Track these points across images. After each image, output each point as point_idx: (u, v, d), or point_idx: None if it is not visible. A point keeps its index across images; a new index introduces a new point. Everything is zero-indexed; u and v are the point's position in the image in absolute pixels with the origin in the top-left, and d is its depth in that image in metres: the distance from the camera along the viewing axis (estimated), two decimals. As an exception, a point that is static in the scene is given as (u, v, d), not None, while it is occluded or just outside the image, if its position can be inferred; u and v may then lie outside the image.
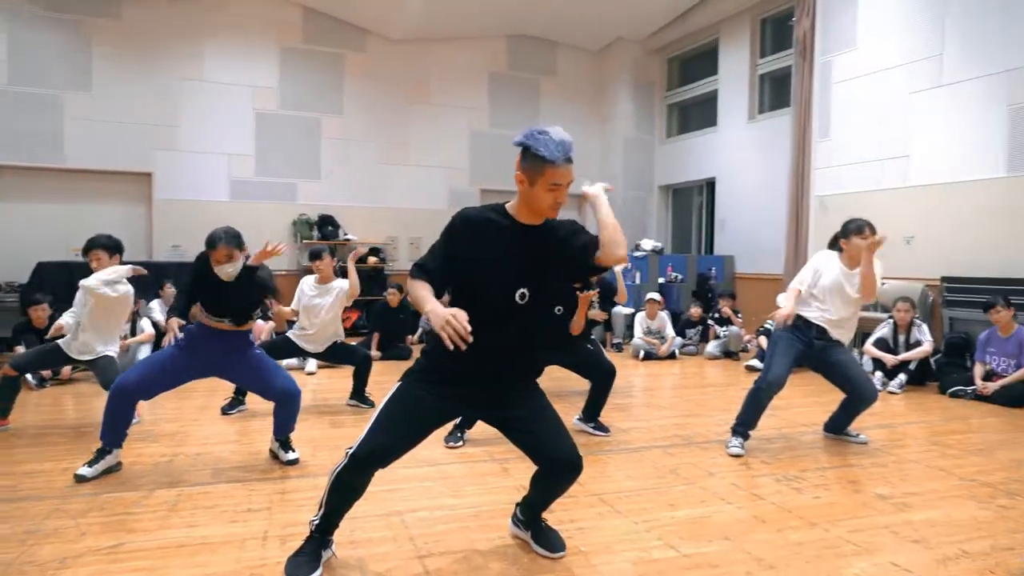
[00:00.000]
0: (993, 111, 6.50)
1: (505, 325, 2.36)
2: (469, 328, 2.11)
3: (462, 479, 3.55)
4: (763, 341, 7.39)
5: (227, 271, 3.54)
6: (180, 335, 3.65)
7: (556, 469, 2.44)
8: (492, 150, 11.19)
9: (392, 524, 2.92)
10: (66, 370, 6.20)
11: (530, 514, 2.67)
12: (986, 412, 5.34)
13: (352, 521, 2.91)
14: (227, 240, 3.51)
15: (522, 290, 2.36)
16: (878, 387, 6.01)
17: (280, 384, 3.73)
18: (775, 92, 9.78)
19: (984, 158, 6.59)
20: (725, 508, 3.15)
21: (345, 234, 10.00)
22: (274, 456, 3.84)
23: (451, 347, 2.11)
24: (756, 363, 7.23)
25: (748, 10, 9.73)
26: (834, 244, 4.34)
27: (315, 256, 5.53)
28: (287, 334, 5.44)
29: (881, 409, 5.30)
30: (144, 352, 6.47)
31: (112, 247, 4.43)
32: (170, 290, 7.54)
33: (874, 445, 4.29)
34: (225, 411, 4.95)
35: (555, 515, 2.90)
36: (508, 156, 10.82)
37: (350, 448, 2.34)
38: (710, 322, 8.51)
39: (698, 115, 11.18)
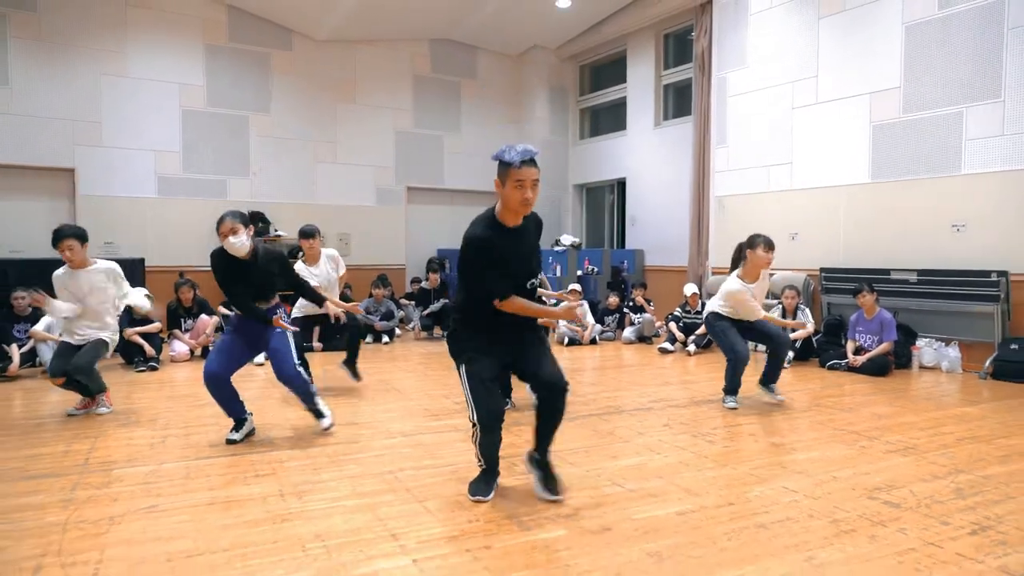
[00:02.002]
0: (859, 127, 7.64)
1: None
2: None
3: (434, 446, 4.13)
4: (673, 327, 8.32)
5: (234, 244, 4.03)
6: (229, 315, 4.23)
7: (549, 389, 3.16)
8: (417, 149, 11.68)
9: (388, 480, 3.47)
10: (14, 366, 6.28)
11: (542, 450, 3.28)
12: (856, 380, 6.40)
13: (353, 480, 3.47)
14: (232, 216, 4.06)
15: (532, 281, 3.17)
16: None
17: (286, 371, 4.26)
18: (678, 101, 10.77)
19: (853, 167, 7.73)
20: (655, 457, 3.89)
21: (276, 230, 10.22)
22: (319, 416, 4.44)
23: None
24: (668, 345, 8.14)
25: (652, 25, 10.66)
26: (738, 257, 5.30)
27: (310, 235, 5.84)
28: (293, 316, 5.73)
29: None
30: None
31: (82, 236, 4.79)
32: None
33: (768, 408, 5.17)
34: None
35: (517, 468, 3.54)
36: (432, 155, 11.51)
37: (472, 426, 3.13)
38: (625, 310, 9.38)
39: (609, 120, 12.07)
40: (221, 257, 4.13)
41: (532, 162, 2.96)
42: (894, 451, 4.01)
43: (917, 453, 3.97)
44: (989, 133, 6.60)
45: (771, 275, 5.49)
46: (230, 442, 4.10)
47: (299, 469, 3.64)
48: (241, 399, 4.24)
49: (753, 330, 5.34)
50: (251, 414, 4.29)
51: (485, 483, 3.22)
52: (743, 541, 2.73)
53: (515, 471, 3.53)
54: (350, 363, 5.73)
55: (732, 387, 5.25)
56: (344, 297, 8.74)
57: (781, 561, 2.55)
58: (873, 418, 4.86)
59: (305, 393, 4.36)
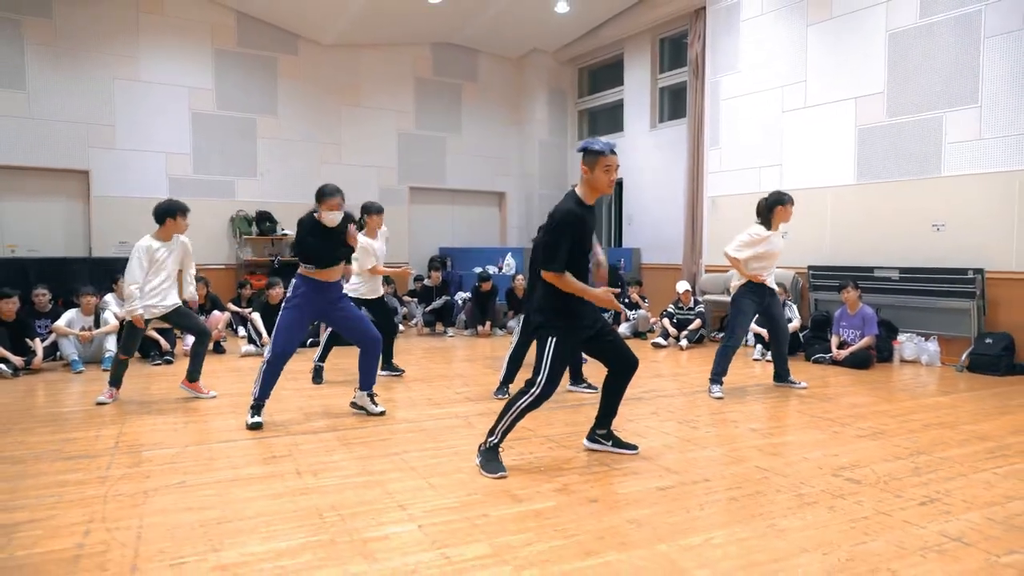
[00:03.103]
0: (845, 130, 7.94)
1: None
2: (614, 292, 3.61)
3: (436, 431, 4.44)
4: (666, 322, 8.63)
5: (334, 217, 4.48)
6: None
7: (629, 366, 3.74)
8: (419, 150, 12.00)
9: (394, 460, 3.79)
10: (37, 360, 6.60)
11: (607, 425, 3.87)
12: (838, 373, 6.71)
13: (362, 460, 3.78)
14: (340, 193, 4.53)
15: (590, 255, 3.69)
16: (758, 357, 7.36)
17: (371, 333, 4.73)
18: (673, 104, 11.08)
19: (839, 168, 8.04)
20: (642, 441, 4.19)
21: (282, 230, 10.55)
22: (359, 408, 4.80)
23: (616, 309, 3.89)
24: (661, 340, 8.45)
25: (649, 30, 10.97)
26: (767, 213, 5.62)
27: (379, 211, 6.34)
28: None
29: (760, 374, 6.58)
30: (110, 342, 6.92)
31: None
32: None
33: (751, 398, 5.48)
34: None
35: (515, 450, 3.86)
36: (434, 156, 11.80)
37: (533, 389, 3.48)
38: (621, 307, 9.70)
39: (606, 121, 12.38)
40: (313, 223, 4.52)
41: (615, 152, 3.56)
42: (864, 436, 4.32)
43: (885, 437, 4.28)
44: (967, 137, 6.91)
45: (784, 234, 5.82)
46: (255, 426, 4.40)
47: (312, 451, 3.96)
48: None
49: (766, 314, 5.72)
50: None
51: (498, 459, 3.56)
52: (714, 511, 3.05)
53: (510, 452, 3.84)
54: (387, 363, 6.24)
55: (720, 371, 5.54)
56: (385, 298, 9.03)
57: (746, 527, 2.86)
58: (849, 407, 5.17)
59: (377, 361, 4.80)
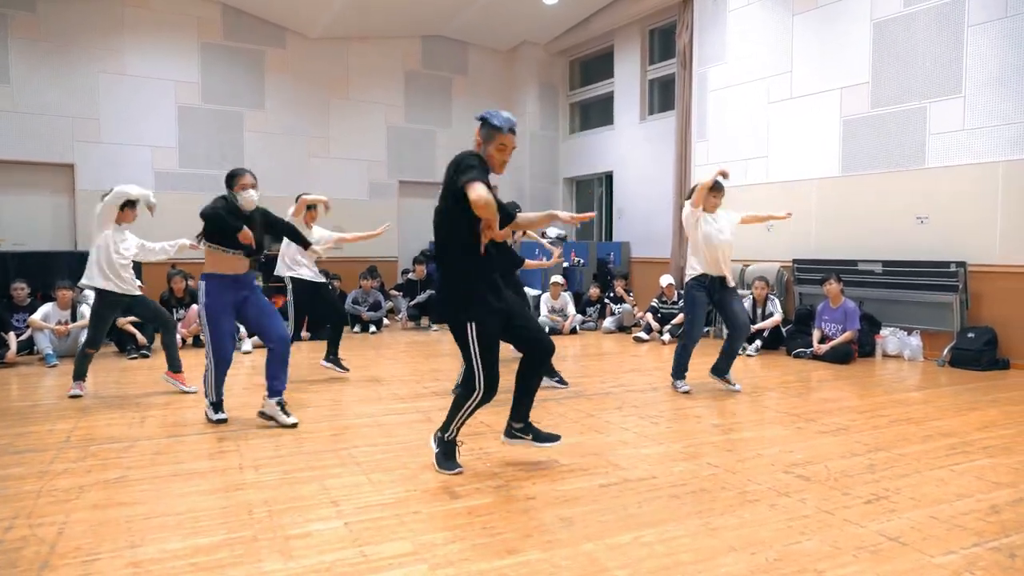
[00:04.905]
0: (830, 121, 7.82)
1: (502, 248, 3.35)
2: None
3: (392, 426, 4.40)
4: (649, 317, 8.55)
5: (251, 196, 4.33)
6: (204, 297, 4.34)
7: (542, 351, 3.43)
8: (409, 144, 11.94)
9: (341, 455, 3.74)
10: (11, 353, 6.60)
11: (524, 418, 3.54)
12: (819, 367, 6.61)
13: (308, 455, 3.74)
14: (251, 172, 4.42)
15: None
16: (752, 353, 7.26)
17: (280, 332, 4.44)
18: (663, 96, 10.96)
19: (824, 160, 7.92)
20: (597, 436, 4.14)
21: (269, 224, 10.49)
22: (267, 418, 4.35)
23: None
24: (643, 335, 8.37)
25: (638, 21, 10.85)
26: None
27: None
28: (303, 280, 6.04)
29: (739, 367, 6.48)
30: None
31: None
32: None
33: (721, 393, 5.40)
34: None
35: (466, 445, 3.80)
36: (424, 150, 11.71)
37: (475, 394, 3.27)
38: (606, 301, 9.61)
39: (597, 114, 12.28)
40: (228, 201, 4.32)
41: (513, 132, 3.28)
42: (826, 432, 4.24)
43: (847, 434, 4.20)
44: (951, 128, 6.78)
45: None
46: (220, 422, 4.37)
47: (261, 446, 3.92)
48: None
49: (723, 307, 5.35)
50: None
51: (455, 456, 3.44)
52: (652, 508, 2.98)
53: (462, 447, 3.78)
54: (333, 355, 6.03)
55: (680, 367, 5.39)
56: (332, 288, 9.03)
57: (679, 525, 2.80)
58: (818, 402, 5.08)
59: (286, 368, 4.41)
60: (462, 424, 3.43)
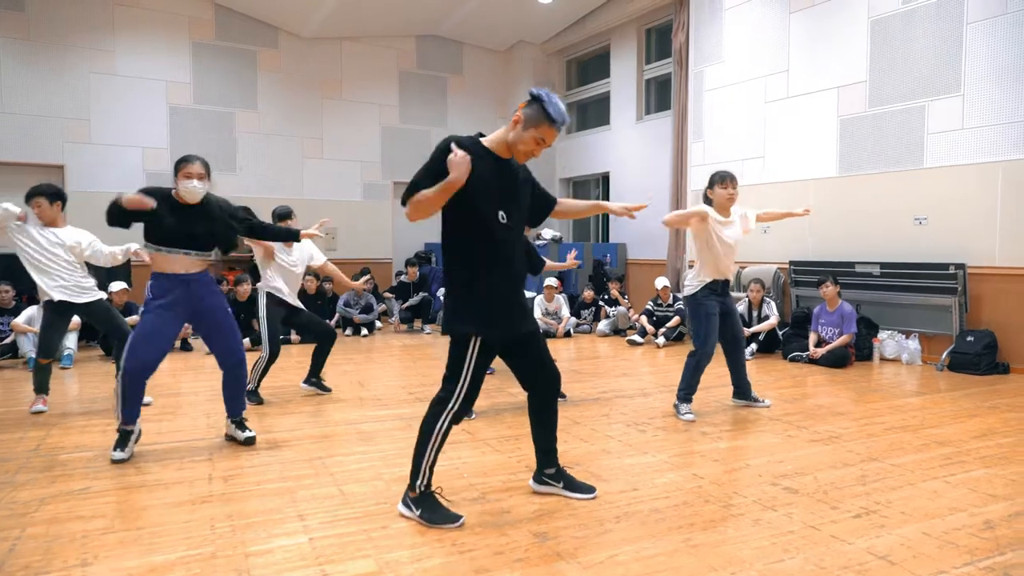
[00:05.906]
0: (827, 121, 7.69)
1: (503, 244, 2.80)
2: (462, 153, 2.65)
3: (373, 434, 4.28)
4: (644, 320, 8.43)
5: (194, 187, 3.67)
6: (149, 295, 3.73)
7: (550, 383, 3.03)
8: (403, 145, 11.82)
9: (315, 465, 3.63)
10: (-7, 359, 6.49)
11: (554, 462, 3.15)
12: (814, 372, 6.48)
13: (283, 465, 3.63)
14: (203, 161, 3.77)
15: (501, 212, 2.81)
16: (748, 357, 7.11)
17: (238, 353, 3.95)
18: (659, 96, 10.83)
19: (821, 160, 7.78)
20: (581, 445, 4.01)
21: (261, 225, 10.39)
22: (230, 439, 4.03)
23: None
24: (637, 338, 8.25)
25: (634, 20, 10.72)
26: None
27: (286, 216, 5.57)
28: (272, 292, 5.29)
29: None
30: (71, 339, 6.81)
31: (52, 194, 4.96)
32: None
33: (713, 400, 5.27)
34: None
35: (444, 454, 3.68)
36: (418, 150, 11.60)
37: (451, 403, 2.79)
38: (601, 303, 9.49)
39: (594, 114, 12.15)
40: (165, 192, 3.76)
41: (559, 130, 2.81)
42: (817, 440, 4.12)
43: (839, 442, 4.07)
44: (950, 127, 6.64)
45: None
46: (118, 461, 3.64)
47: (234, 455, 3.80)
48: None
49: (725, 315, 4.75)
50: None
51: (440, 505, 2.87)
52: (630, 524, 2.86)
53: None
54: (315, 377, 5.41)
55: (689, 389, 4.70)
56: (322, 291, 8.96)
57: (658, 542, 2.68)
58: (812, 408, 4.95)
59: (243, 388, 4.05)
60: (434, 460, 2.86)
